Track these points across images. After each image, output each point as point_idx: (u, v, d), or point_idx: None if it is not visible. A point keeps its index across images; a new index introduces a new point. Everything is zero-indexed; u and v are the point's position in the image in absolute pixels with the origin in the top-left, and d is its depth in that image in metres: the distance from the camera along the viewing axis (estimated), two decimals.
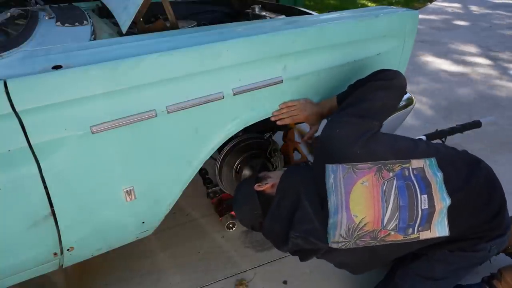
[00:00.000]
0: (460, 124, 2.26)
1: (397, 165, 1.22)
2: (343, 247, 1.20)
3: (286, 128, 1.83)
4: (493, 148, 2.51)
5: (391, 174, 1.20)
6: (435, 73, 3.93)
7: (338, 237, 1.19)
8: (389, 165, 1.21)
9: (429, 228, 1.20)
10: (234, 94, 1.27)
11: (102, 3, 1.93)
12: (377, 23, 1.54)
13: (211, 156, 1.37)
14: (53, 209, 1.11)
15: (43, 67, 1.01)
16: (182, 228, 1.94)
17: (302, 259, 1.31)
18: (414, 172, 1.22)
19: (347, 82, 1.53)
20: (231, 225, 1.87)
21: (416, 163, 1.23)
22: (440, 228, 1.20)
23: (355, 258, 1.27)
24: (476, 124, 2.26)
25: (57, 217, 1.13)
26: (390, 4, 7.29)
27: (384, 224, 1.18)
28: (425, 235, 1.20)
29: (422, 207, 1.19)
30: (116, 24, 1.66)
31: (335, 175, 1.20)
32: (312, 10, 2.00)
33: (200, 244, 1.83)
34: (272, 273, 1.68)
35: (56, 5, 1.85)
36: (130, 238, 1.37)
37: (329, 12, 1.78)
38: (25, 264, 1.18)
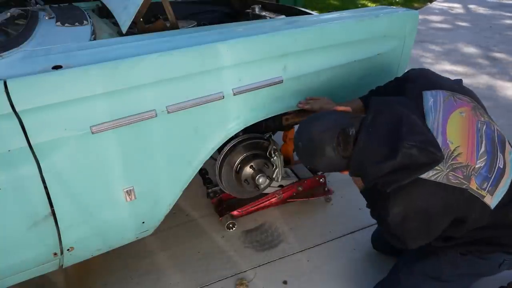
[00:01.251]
0: None
1: (486, 116, 1.21)
2: (433, 178, 1.07)
3: (286, 128, 1.83)
4: None
5: (482, 119, 1.17)
6: None
7: None
8: (481, 110, 1.20)
9: (493, 193, 1.12)
10: (234, 94, 1.27)
11: (102, 3, 1.92)
12: (377, 23, 1.54)
13: (211, 156, 1.37)
14: (53, 209, 1.11)
15: (43, 67, 1.01)
16: (182, 228, 1.94)
17: (397, 182, 1.08)
18: (497, 132, 1.20)
19: (347, 82, 1.53)
20: (231, 225, 1.87)
21: (499, 129, 1.22)
22: (495, 200, 1.13)
23: (439, 201, 1.10)
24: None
25: (57, 217, 1.13)
26: (390, 4, 7.29)
27: (477, 158, 1.10)
28: (488, 199, 1.11)
29: (499, 165, 1.14)
30: (116, 24, 1.66)
31: (435, 99, 1.16)
32: (312, 10, 2.00)
33: (200, 244, 1.83)
34: (272, 273, 1.68)
35: (56, 5, 1.85)
36: (130, 238, 1.37)
37: (329, 12, 1.78)
38: (25, 264, 1.18)
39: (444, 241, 1.24)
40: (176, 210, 2.00)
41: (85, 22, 1.50)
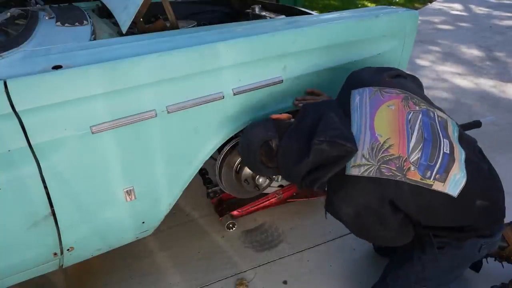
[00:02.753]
0: (460, 124, 2.25)
1: (423, 104, 1.20)
2: (366, 174, 1.08)
3: None
4: (493, 148, 2.51)
5: (417, 108, 1.17)
6: (435, 73, 3.93)
7: (360, 158, 1.09)
8: (416, 99, 1.20)
9: (445, 180, 1.11)
10: (234, 94, 1.27)
11: (102, 3, 1.92)
12: (377, 23, 1.54)
13: (211, 156, 1.37)
14: (53, 209, 1.11)
15: (43, 67, 1.01)
16: (182, 228, 1.94)
17: (318, 179, 1.12)
18: (438, 118, 1.20)
19: None
20: (231, 225, 1.87)
21: (441, 114, 1.22)
22: (452, 186, 1.12)
23: (378, 196, 1.11)
24: (476, 124, 2.25)
25: (57, 217, 1.13)
26: (390, 4, 7.30)
27: (410, 151, 1.10)
28: (438, 186, 1.11)
29: (444, 150, 1.13)
30: (116, 24, 1.66)
31: (361, 96, 1.18)
32: (312, 10, 2.00)
33: (200, 244, 1.83)
34: (272, 273, 1.68)
35: (56, 5, 1.85)
36: (130, 238, 1.37)
37: (329, 12, 1.78)
38: (25, 264, 1.18)
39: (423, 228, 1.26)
40: (176, 210, 2.00)
41: (85, 22, 1.50)
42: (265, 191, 1.86)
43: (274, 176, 1.74)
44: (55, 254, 1.20)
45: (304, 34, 1.37)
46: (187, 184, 1.35)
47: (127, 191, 1.22)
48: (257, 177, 1.62)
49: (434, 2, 7.76)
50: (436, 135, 1.15)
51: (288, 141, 1.18)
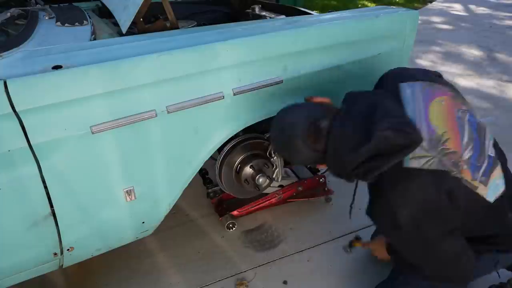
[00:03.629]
0: None
1: (467, 105, 1.17)
2: (427, 167, 1.02)
3: None
4: None
5: (463, 107, 1.14)
6: None
7: (419, 150, 1.02)
8: (461, 99, 1.17)
9: (486, 183, 1.08)
10: (234, 94, 1.27)
11: (102, 3, 1.92)
12: (377, 23, 1.54)
13: (211, 156, 1.37)
14: (53, 209, 1.11)
15: (43, 67, 1.01)
16: (182, 228, 1.94)
17: (375, 169, 1.02)
18: (481, 122, 1.17)
19: (347, 82, 1.53)
20: (231, 225, 1.87)
21: (482, 121, 1.19)
22: (491, 191, 1.08)
23: (441, 190, 1.02)
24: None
25: (57, 217, 1.13)
26: (390, 4, 7.29)
27: (463, 148, 1.06)
28: (481, 190, 1.07)
29: (489, 153, 1.11)
30: (116, 24, 1.66)
31: (413, 89, 1.13)
32: (312, 10, 2.00)
33: (200, 244, 1.83)
34: (272, 273, 1.68)
35: (56, 5, 1.85)
36: (130, 238, 1.37)
37: (329, 12, 1.78)
38: (25, 264, 1.18)
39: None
40: (176, 210, 1.99)
41: (85, 22, 1.50)
42: (265, 191, 1.86)
43: (274, 176, 1.74)
44: (55, 254, 1.20)
45: (304, 34, 1.37)
46: (187, 184, 1.35)
47: (127, 191, 1.22)
48: (257, 177, 1.62)
49: (434, 2, 7.76)
50: (482, 136, 1.12)
51: (340, 125, 1.06)
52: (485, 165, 1.09)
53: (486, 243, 1.19)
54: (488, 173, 1.09)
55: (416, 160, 1.02)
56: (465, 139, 1.08)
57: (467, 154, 1.07)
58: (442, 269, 1.12)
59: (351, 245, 1.65)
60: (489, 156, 1.11)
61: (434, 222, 1.06)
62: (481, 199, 1.08)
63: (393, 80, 1.21)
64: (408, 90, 1.13)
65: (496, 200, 1.10)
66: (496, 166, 1.12)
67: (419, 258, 1.14)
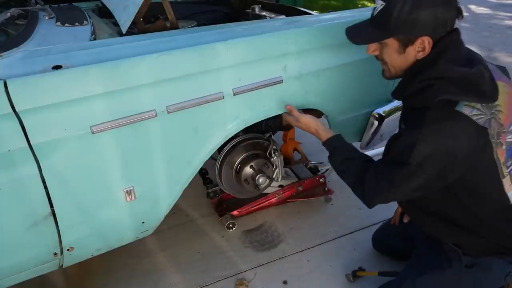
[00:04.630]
0: None
1: None
2: (475, 119, 1.00)
3: (286, 128, 1.83)
4: None
5: None
6: None
7: (476, 103, 1.03)
8: None
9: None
10: (234, 94, 1.27)
11: (102, 3, 1.93)
12: None
13: (211, 156, 1.37)
14: (53, 209, 1.11)
15: (43, 67, 1.01)
16: (182, 228, 1.94)
17: (445, 92, 1.01)
18: None
19: (347, 82, 1.53)
20: (231, 225, 1.87)
21: None
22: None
23: (468, 145, 1.02)
24: None
25: (57, 217, 1.13)
26: None
27: (510, 128, 1.07)
28: (507, 182, 1.09)
29: None
30: (116, 24, 1.66)
31: (485, 64, 1.10)
32: (312, 10, 2.00)
33: (200, 244, 1.83)
34: (272, 273, 1.68)
35: (56, 5, 1.85)
36: (130, 238, 1.37)
37: (329, 12, 1.78)
38: (25, 264, 1.18)
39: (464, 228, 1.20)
40: (176, 210, 2.00)
41: (85, 22, 1.50)
42: (265, 191, 1.86)
43: (274, 176, 1.74)
44: (55, 254, 1.20)
45: (304, 34, 1.37)
46: (187, 184, 1.35)
47: (127, 191, 1.22)
48: (257, 177, 1.62)
49: None
50: None
51: (456, 41, 1.06)
52: None
53: (499, 249, 1.19)
54: None
55: (469, 108, 1.01)
56: None
57: (510, 138, 1.07)
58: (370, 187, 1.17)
59: (355, 275, 1.61)
60: None
61: (437, 172, 1.05)
62: (503, 194, 1.10)
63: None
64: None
65: None
66: None
67: (377, 184, 1.16)
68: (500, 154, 1.07)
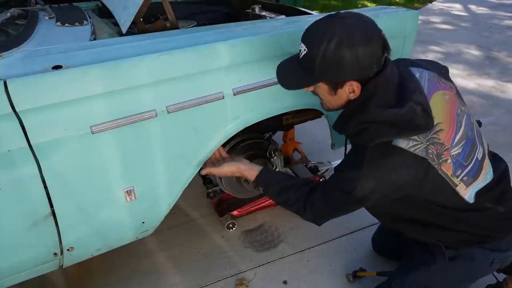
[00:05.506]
0: None
1: (466, 107, 1.21)
2: (412, 150, 1.04)
3: (286, 128, 1.83)
4: (493, 148, 2.51)
5: (463, 108, 1.18)
6: None
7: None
8: (462, 100, 1.21)
9: (469, 185, 1.13)
10: (234, 94, 1.27)
11: (102, 3, 1.93)
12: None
13: None
14: (53, 209, 1.11)
15: (43, 67, 1.01)
16: (182, 228, 1.94)
17: (383, 136, 1.04)
18: (476, 126, 1.22)
19: None
20: (231, 225, 1.87)
21: (482, 121, 1.26)
22: (471, 193, 1.15)
23: (409, 175, 1.07)
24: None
25: (57, 217, 1.13)
26: (390, 4, 7.29)
27: (454, 143, 1.10)
28: (461, 189, 1.12)
29: (478, 156, 1.16)
30: (116, 24, 1.66)
31: (421, 74, 1.14)
32: (312, 10, 2.00)
33: (200, 244, 1.83)
34: (272, 273, 1.68)
35: (56, 5, 1.85)
36: (130, 238, 1.37)
37: (329, 12, 1.78)
38: (25, 264, 1.18)
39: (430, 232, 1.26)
40: (176, 210, 2.00)
41: (85, 22, 1.50)
42: None
43: None
44: (55, 254, 1.20)
45: None
46: (187, 184, 1.35)
47: (127, 191, 1.22)
48: None
49: (434, 2, 7.76)
50: (475, 138, 1.17)
51: (385, 78, 1.04)
52: (470, 166, 1.13)
53: (478, 235, 1.23)
54: (473, 175, 1.14)
55: (405, 141, 1.04)
56: (458, 136, 1.11)
57: (456, 151, 1.10)
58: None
59: (355, 275, 1.61)
60: (477, 159, 1.16)
61: (383, 197, 1.13)
62: (461, 199, 1.14)
63: (404, 63, 1.21)
64: (417, 74, 1.14)
65: (476, 201, 1.16)
66: (480, 170, 1.16)
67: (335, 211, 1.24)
68: (447, 169, 1.09)
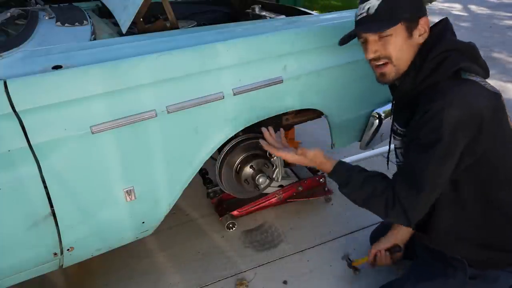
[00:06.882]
0: None
1: None
2: (482, 83, 1.05)
3: (286, 128, 1.83)
4: None
5: None
6: None
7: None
8: None
9: None
10: (234, 94, 1.27)
11: (102, 3, 1.93)
12: None
13: (211, 156, 1.37)
14: (53, 209, 1.11)
15: (43, 67, 1.01)
16: (182, 228, 1.94)
17: (453, 63, 1.05)
18: None
19: (347, 82, 1.53)
20: (231, 225, 1.87)
21: None
22: None
23: (491, 104, 1.03)
24: None
25: (57, 217, 1.13)
26: None
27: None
28: None
29: None
30: (116, 24, 1.66)
31: None
32: (312, 10, 2.00)
33: (200, 244, 1.83)
34: (272, 273, 1.68)
35: (56, 5, 1.85)
36: (130, 238, 1.37)
37: (329, 12, 1.78)
38: (25, 264, 1.18)
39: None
40: (176, 210, 2.00)
41: (85, 22, 1.50)
42: (265, 191, 1.86)
43: (274, 176, 1.74)
44: (55, 254, 1.20)
45: (304, 34, 1.37)
46: (187, 184, 1.35)
47: (127, 191, 1.22)
48: (257, 177, 1.62)
49: (434, 2, 7.76)
50: None
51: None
52: None
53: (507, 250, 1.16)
54: None
55: (472, 77, 1.06)
56: None
57: None
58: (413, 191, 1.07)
59: (351, 267, 1.60)
60: None
61: (468, 142, 1.02)
62: None
63: None
64: None
65: None
66: None
67: (414, 173, 1.08)
68: (511, 123, 1.10)
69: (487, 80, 1.10)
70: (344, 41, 1.20)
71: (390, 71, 1.14)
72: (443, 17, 1.15)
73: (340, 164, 1.27)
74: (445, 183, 1.09)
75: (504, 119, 1.09)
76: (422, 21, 1.09)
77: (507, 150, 1.11)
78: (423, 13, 1.10)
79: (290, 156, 1.32)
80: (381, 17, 1.08)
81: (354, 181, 1.20)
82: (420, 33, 1.10)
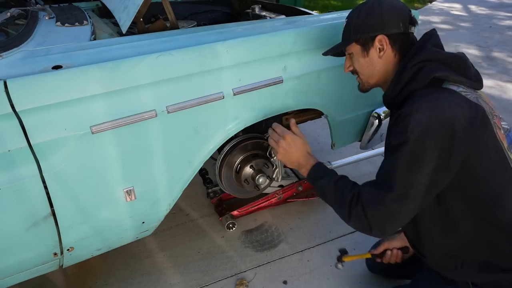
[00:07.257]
0: None
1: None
2: (464, 94, 1.01)
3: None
4: None
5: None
6: None
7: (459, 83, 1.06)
8: None
9: None
10: (234, 94, 1.27)
11: (102, 3, 1.93)
12: None
13: (211, 156, 1.37)
14: (53, 209, 1.11)
15: (43, 67, 1.01)
16: (182, 228, 1.94)
17: (437, 71, 1.03)
18: None
19: (347, 82, 1.53)
20: (231, 225, 1.87)
21: None
22: None
23: (465, 116, 0.97)
24: None
25: (57, 217, 1.13)
26: None
27: (501, 125, 1.07)
28: None
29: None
30: (116, 24, 1.66)
31: None
32: (312, 10, 2.00)
33: (200, 244, 1.83)
34: (272, 273, 1.68)
35: (56, 5, 1.85)
36: (130, 238, 1.37)
37: (329, 12, 1.78)
38: (25, 264, 1.18)
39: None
40: (176, 210, 2.00)
41: (85, 22, 1.50)
42: (265, 191, 1.86)
43: (274, 176, 1.74)
44: (55, 254, 1.20)
45: (304, 34, 1.37)
46: (187, 184, 1.35)
47: (127, 191, 1.22)
48: (257, 177, 1.62)
49: (434, 2, 7.77)
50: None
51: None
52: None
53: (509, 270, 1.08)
54: None
55: (455, 86, 1.03)
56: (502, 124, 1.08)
57: (504, 124, 1.07)
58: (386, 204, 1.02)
59: (339, 260, 1.54)
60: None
61: (439, 152, 0.97)
62: (509, 168, 1.04)
63: None
64: None
65: None
66: None
67: (389, 177, 1.03)
68: (502, 138, 1.02)
69: (480, 91, 1.08)
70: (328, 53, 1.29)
71: (362, 83, 1.24)
72: (431, 29, 1.14)
73: (318, 164, 1.25)
74: (428, 199, 1.03)
75: (488, 135, 1.01)
76: (377, 39, 1.11)
77: (495, 167, 1.03)
78: (379, 31, 1.10)
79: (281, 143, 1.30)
80: (343, 37, 1.21)
81: (329, 176, 1.19)
82: (379, 50, 1.13)
